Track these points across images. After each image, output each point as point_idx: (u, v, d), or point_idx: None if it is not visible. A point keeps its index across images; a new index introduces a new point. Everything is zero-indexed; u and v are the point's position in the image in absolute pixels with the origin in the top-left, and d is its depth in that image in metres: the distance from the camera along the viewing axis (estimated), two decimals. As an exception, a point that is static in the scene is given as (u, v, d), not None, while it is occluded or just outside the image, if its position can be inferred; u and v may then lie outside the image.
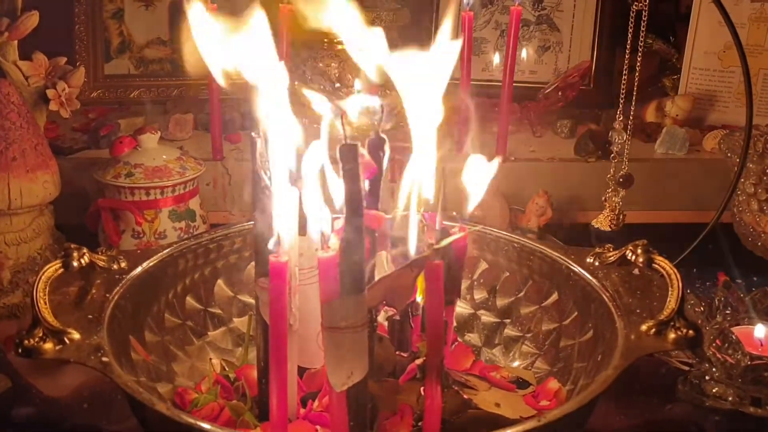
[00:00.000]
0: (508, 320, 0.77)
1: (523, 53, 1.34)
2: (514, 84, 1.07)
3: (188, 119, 1.15)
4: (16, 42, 0.90)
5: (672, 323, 0.58)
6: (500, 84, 1.09)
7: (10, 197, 0.83)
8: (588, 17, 1.32)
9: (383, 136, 0.57)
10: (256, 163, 0.58)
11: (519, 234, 0.98)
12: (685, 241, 0.97)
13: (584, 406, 0.53)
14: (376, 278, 0.64)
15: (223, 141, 1.09)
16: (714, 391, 0.71)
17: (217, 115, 1.04)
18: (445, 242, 0.56)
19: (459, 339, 0.77)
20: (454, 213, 0.62)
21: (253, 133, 0.58)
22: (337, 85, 1.12)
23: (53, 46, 1.26)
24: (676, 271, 0.63)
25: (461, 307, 0.77)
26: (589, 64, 1.28)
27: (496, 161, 0.62)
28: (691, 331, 0.58)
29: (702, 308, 0.81)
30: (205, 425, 0.49)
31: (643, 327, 0.59)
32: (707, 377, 0.71)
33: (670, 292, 0.61)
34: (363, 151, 0.55)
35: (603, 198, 0.97)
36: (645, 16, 0.79)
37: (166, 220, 0.91)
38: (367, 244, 0.59)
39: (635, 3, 0.79)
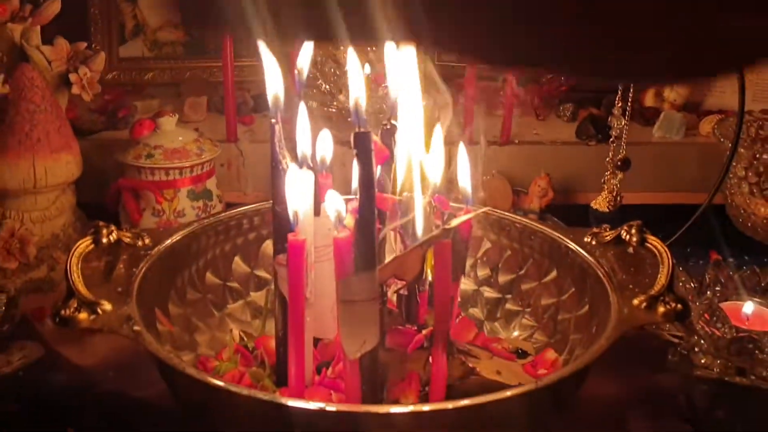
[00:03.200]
0: (509, 296, 0.81)
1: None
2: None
3: (202, 102, 1.18)
4: (38, 27, 0.93)
5: (662, 298, 0.62)
6: (505, 67, 1.12)
7: (35, 177, 0.87)
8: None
9: (395, 123, 0.61)
10: (275, 148, 0.62)
11: (521, 215, 1.02)
12: (679, 221, 1.00)
13: (578, 372, 0.57)
14: (386, 253, 0.69)
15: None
16: (702, 361, 0.75)
17: (231, 99, 1.07)
18: (454, 223, 0.60)
19: (463, 313, 0.81)
20: (461, 196, 0.66)
21: (272, 119, 0.62)
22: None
23: (70, 30, 1.29)
24: (666, 249, 0.67)
25: (465, 284, 0.81)
26: (592, 48, 1.30)
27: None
28: (679, 305, 0.62)
29: (693, 285, 0.85)
30: (232, 387, 0.54)
31: (635, 301, 0.63)
32: (696, 349, 0.75)
33: (660, 269, 0.65)
34: (376, 138, 0.58)
35: (602, 180, 1.01)
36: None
37: (184, 200, 0.95)
38: (378, 224, 0.63)
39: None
